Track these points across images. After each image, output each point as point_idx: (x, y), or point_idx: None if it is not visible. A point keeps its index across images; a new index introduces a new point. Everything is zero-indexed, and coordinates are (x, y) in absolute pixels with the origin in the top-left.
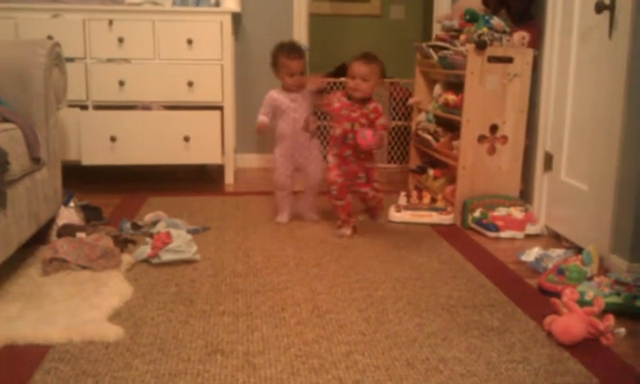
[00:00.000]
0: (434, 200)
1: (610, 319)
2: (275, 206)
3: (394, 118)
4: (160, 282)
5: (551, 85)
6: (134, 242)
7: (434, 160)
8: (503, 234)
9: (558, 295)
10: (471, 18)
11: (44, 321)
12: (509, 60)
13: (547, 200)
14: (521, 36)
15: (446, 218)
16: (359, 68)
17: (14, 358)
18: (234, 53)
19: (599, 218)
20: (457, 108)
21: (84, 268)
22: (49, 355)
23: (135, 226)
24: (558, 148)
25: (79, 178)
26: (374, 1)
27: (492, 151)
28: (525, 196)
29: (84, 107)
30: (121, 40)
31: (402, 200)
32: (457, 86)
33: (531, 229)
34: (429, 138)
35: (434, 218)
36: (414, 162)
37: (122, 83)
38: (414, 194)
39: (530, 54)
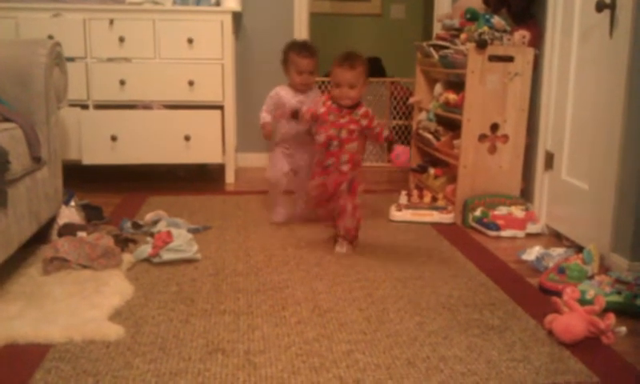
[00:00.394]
0: (434, 199)
1: (611, 318)
2: (269, 205)
3: (394, 117)
4: (161, 281)
5: (552, 84)
6: (134, 242)
7: (435, 159)
8: (504, 233)
9: (558, 294)
10: (472, 16)
11: (45, 320)
12: (509, 59)
13: (548, 199)
14: (521, 35)
15: (446, 217)
16: (344, 75)
17: (14, 357)
18: (234, 52)
19: (600, 216)
20: (457, 107)
21: (85, 267)
22: (49, 354)
23: (136, 226)
24: (558, 147)
25: (80, 178)
26: (374, 0)
27: (493, 150)
28: (525, 195)
29: (85, 106)
30: (121, 39)
31: (403, 199)
32: (457, 85)
33: (532, 228)
34: (429, 137)
35: (435, 217)
36: (415, 161)
37: (122, 82)
38: (415, 193)
39: (530, 53)
